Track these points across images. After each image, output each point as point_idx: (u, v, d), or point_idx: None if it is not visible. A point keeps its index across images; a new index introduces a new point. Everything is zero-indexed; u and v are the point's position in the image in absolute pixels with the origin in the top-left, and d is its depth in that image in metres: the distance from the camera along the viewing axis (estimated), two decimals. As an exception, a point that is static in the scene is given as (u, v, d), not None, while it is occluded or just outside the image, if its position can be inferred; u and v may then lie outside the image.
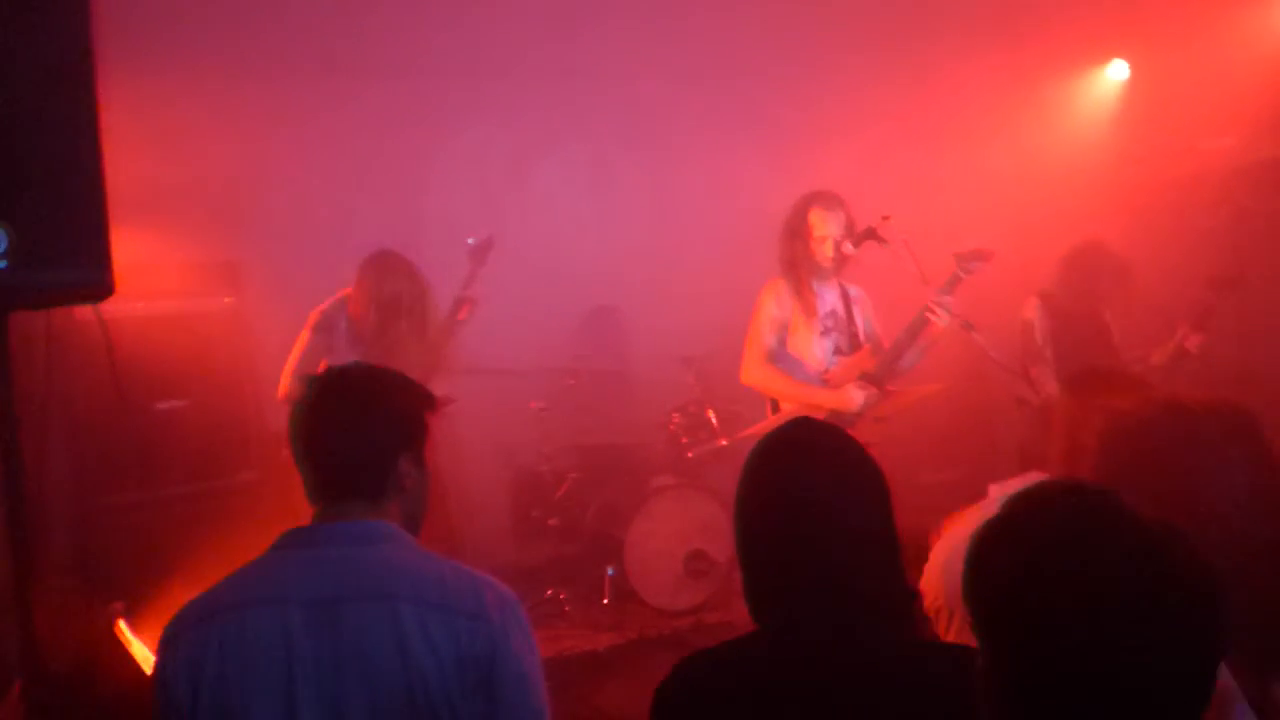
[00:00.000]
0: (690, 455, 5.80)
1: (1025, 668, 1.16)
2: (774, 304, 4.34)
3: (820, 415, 3.92)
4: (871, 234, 4.20)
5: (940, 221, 5.16)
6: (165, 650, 1.79)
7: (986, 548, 1.23)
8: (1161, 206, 5.18)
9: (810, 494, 1.68)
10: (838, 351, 4.37)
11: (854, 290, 4.49)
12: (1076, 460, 2.38)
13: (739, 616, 5.43)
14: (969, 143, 6.06)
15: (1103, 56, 5.85)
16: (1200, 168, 5.05)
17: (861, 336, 4.41)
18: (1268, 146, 4.84)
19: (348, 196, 5.94)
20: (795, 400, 4.25)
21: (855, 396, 4.18)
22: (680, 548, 5.53)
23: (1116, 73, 5.83)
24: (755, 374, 4.34)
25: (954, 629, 2.38)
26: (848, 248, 4.25)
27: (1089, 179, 5.71)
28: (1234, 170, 4.96)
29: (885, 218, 4.20)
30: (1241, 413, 2.09)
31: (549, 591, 5.68)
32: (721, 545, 5.54)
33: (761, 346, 4.32)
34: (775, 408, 4.42)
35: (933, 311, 4.09)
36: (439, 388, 4.73)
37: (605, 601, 5.59)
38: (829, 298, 4.39)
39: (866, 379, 4.23)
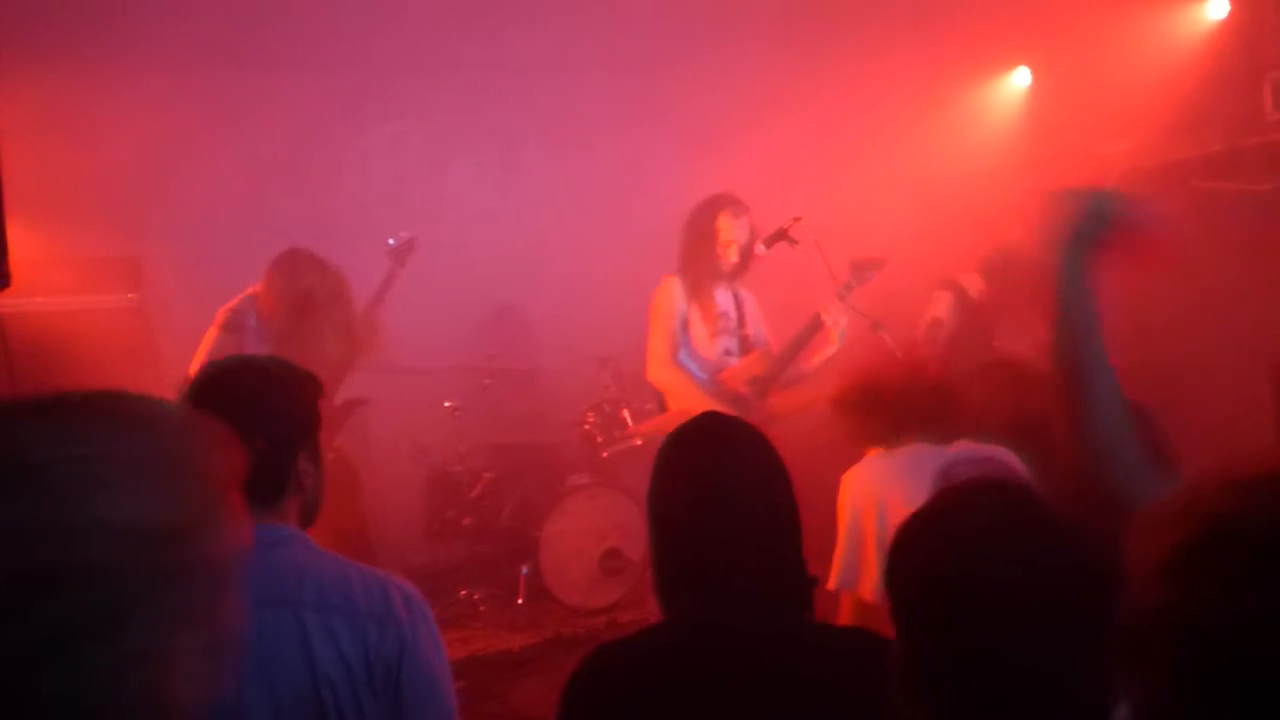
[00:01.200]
0: (605, 455, 5.81)
1: (943, 657, 1.19)
2: (673, 301, 4.35)
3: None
4: (783, 235, 4.26)
5: (851, 221, 5.25)
6: None
7: (910, 541, 1.27)
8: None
9: (720, 484, 1.72)
10: (728, 353, 4.42)
11: (745, 294, 4.54)
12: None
13: (654, 614, 5.44)
14: (880, 143, 6.17)
15: (1008, 64, 6.02)
16: (1098, 172, 5.22)
17: (752, 339, 4.48)
18: (1162, 151, 5.02)
19: (257, 191, 5.83)
20: (690, 404, 4.20)
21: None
22: (595, 546, 5.53)
23: (1020, 79, 6.00)
24: (663, 374, 4.33)
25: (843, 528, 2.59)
26: (760, 249, 4.30)
27: (994, 182, 5.86)
28: (1130, 173, 5.14)
29: (796, 219, 4.26)
30: (1137, 406, 2.17)
31: (463, 592, 5.64)
32: (636, 544, 5.55)
33: (667, 344, 4.31)
34: (662, 405, 4.47)
35: (826, 317, 4.18)
36: (351, 388, 4.70)
37: (520, 601, 5.57)
38: (723, 300, 4.44)
39: (756, 384, 4.29)
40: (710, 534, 1.69)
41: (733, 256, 4.32)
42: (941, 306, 4.87)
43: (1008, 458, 2.46)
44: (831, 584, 2.80)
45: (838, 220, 4.70)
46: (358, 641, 1.71)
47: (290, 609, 1.70)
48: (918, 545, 1.26)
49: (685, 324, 4.36)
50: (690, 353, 4.37)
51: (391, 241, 4.71)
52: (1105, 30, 5.08)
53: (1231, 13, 4.75)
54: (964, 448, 2.60)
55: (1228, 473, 0.95)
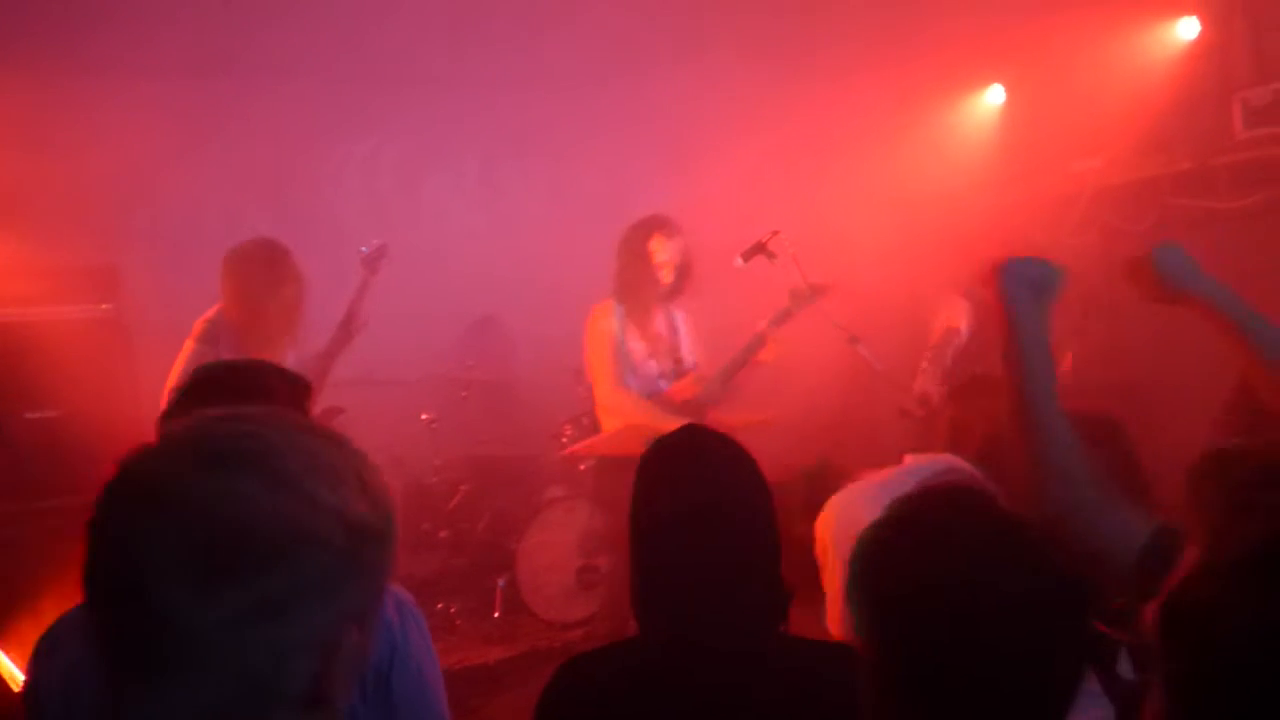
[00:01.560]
0: (582, 467, 5.80)
1: (914, 666, 1.20)
2: (610, 325, 4.40)
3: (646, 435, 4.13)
4: (761, 248, 4.28)
5: (828, 236, 5.28)
6: (39, 662, 1.68)
7: (875, 550, 1.27)
8: (1035, 225, 5.38)
9: (704, 498, 1.72)
10: (662, 376, 4.48)
11: (680, 315, 4.58)
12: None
13: (630, 628, 5.44)
14: (856, 158, 6.21)
15: (982, 81, 6.07)
16: (1070, 189, 5.27)
17: (687, 362, 4.52)
18: (1132, 168, 5.08)
19: (233, 200, 5.80)
20: (638, 422, 4.26)
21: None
22: (572, 560, 5.52)
23: (994, 97, 6.06)
24: (613, 397, 4.39)
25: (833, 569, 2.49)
26: (737, 262, 4.32)
27: (970, 197, 5.91)
28: (1101, 190, 5.19)
29: (775, 232, 4.28)
30: (1107, 421, 2.20)
31: (439, 605, 5.61)
32: (614, 557, 5.55)
33: (614, 367, 4.36)
34: (597, 425, 4.55)
35: (762, 343, 4.24)
36: (326, 397, 4.67)
37: (496, 614, 5.55)
38: (659, 322, 4.49)
39: (688, 408, 4.33)
40: (692, 547, 1.69)
41: (667, 277, 4.37)
42: (960, 316, 4.81)
43: (960, 464, 2.47)
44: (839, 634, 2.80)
45: (815, 235, 4.73)
46: None
47: None
48: (881, 557, 1.26)
49: (624, 347, 4.41)
50: (632, 374, 4.42)
51: (364, 249, 4.67)
52: (1078, 49, 5.14)
53: (1202, 33, 4.82)
54: (914, 462, 2.59)
55: None
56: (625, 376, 4.37)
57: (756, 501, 1.76)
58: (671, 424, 4.12)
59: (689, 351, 4.55)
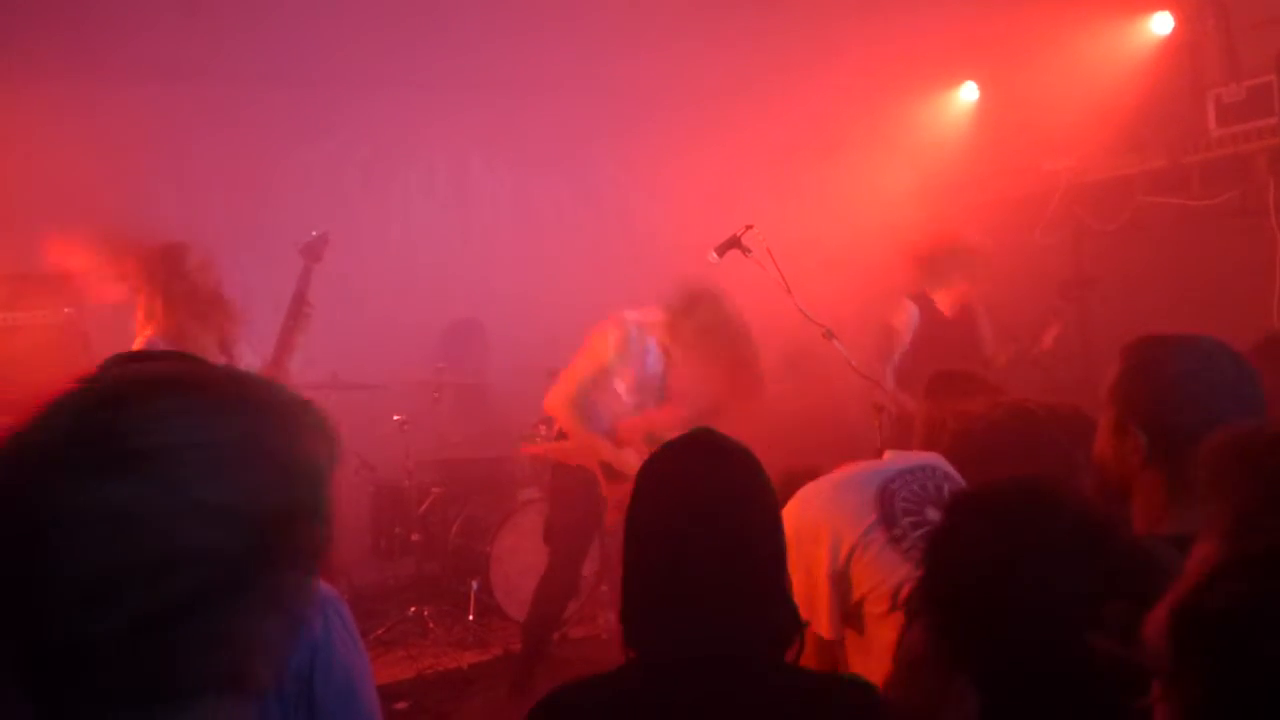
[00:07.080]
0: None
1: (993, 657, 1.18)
2: (609, 354, 4.37)
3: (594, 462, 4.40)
4: (735, 243, 4.25)
5: (803, 231, 5.26)
6: None
7: (950, 535, 1.23)
8: (1007, 223, 5.38)
9: (708, 507, 1.60)
10: (641, 406, 4.49)
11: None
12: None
13: (604, 630, 5.40)
14: (829, 154, 6.19)
15: (956, 78, 6.07)
16: (1043, 187, 5.27)
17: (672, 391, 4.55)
18: (1104, 168, 5.08)
19: (197, 204, 5.72)
20: (582, 444, 4.42)
21: (633, 462, 4.31)
22: (545, 562, 5.46)
23: (968, 94, 6.05)
24: (562, 411, 4.44)
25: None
26: (712, 257, 4.29)
27: (943, 194, 5.90)
28: (1073, 189, 5.19)
29: (749, 226, 4.25)
30: (1085, 418, 2.17)
31: (412, 609, 5.54)
32: (588, 559, 5.49)
33: (577, 386, 4.38)
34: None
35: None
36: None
37: (470, 618, 5.49)
38: (655, 362, 4.48)
39: (652, 442, 4.31)
40: (690, 560, 1.56)
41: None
42: (902, 317, 4.80)
43: (939, 462, 2.44)
44: None
45: (786, 233, 4.70)
46: None
47: None
48: (959, 539, 1.22)
49: (611, 375, 4.40)
50: (594, 406, 4.43)
51: (313, 234, 4.52)
52: (1052, 45, 5.14)
53: (1175, 29, 4.82)
54: (894, 458, 2.55)
55: None
56: (583, 399, 4.38)
57: (763, 514, 1.65)
58: (606, 452, 4.35)
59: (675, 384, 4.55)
